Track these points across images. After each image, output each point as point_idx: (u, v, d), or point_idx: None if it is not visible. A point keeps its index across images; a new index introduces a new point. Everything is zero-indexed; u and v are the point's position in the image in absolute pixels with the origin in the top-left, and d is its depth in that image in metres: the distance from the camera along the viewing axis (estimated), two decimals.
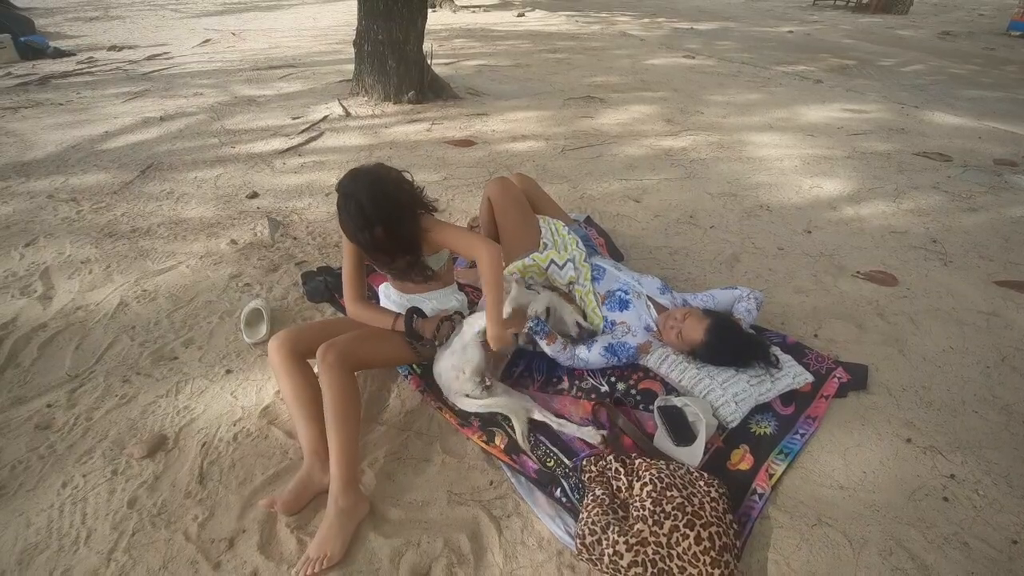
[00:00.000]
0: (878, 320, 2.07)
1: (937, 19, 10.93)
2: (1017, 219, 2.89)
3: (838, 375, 1.72)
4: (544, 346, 1.70)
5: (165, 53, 6.13)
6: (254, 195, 2.90)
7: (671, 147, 3.74)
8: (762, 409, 1.59)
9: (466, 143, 3.67)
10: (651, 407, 1.55)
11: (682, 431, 1.45)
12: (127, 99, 4.48)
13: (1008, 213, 2.95)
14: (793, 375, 1.64)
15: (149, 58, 5.90)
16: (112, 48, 6.41)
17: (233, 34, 7.37)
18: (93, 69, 5.45)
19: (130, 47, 6.51)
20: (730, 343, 1.64)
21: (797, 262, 2.42)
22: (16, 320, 1.97)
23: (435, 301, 1.74)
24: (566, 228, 2.07)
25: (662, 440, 1.47)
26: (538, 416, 1.56)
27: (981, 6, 13.47)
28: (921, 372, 1.83)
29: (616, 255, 2.37)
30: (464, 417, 1.58)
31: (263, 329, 1.88)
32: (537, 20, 9.43)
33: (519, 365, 1.78)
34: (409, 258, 1.54)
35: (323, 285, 2.07)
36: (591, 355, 1.70)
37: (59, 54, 5.99)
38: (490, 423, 1.55)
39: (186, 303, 2.07)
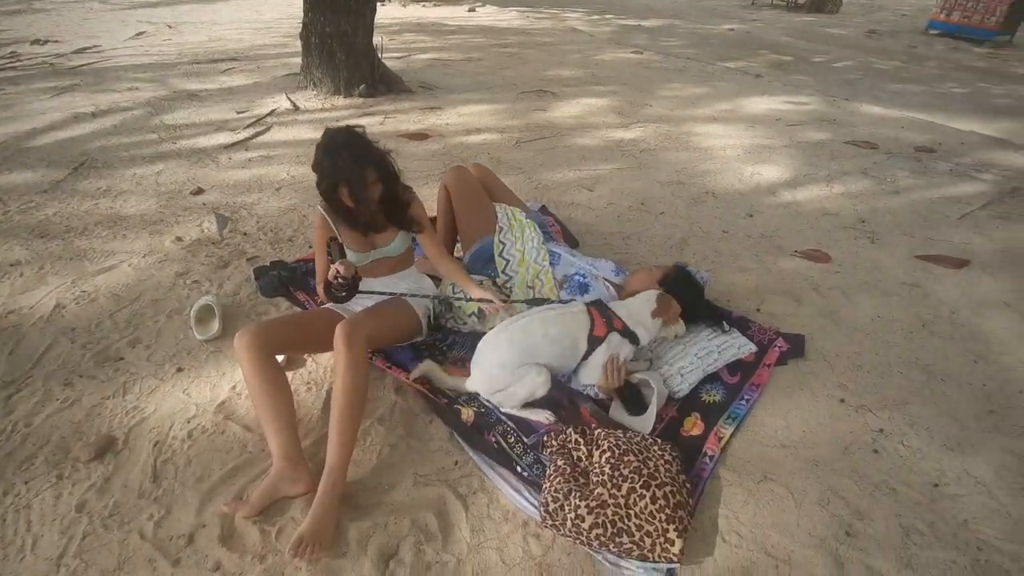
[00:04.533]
0: (814, 294, 2.22)
1: (864, 18, 11.63)
2: (935, 200, 3.15)
3: (779, 344, 1.83)
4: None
5: (95, 46, 5.77)
6: (199, 191, 2.79)
7: (622, 138, 3.85)
8: (711, 379, 1.68)
9: (421, 136, 3.65)
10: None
11: (636, 401, 1.52)
12: (55, 94, 4.20)
13: (927, 195, 3.21)
14: (738, 346, 1.75)
15: (78, 52, 5.54)
16: (36, 42, 5.98)
17: (169, 26, 7.02)
18: (16, 64, 5.07)
19: (56, 41, 6.09)
20: (683, 289, 1.74)
21: (740, 244, 2.56)
22: None
23: (409, 282, 1.78)
24: (523, 214, 2.11)
25: (617, 411, 1.53)
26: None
27: (903, 6, 14.42)
28: (852, 339, 1.98)
29: (571, 241, 2.43)
30: (435, 393, 1.61)
31: (215, 326, 1.83)
32: (488, 15, 9.43)
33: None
34: (388, 211, 1.63)
35: (277, 279, 2.03)
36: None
37: None
38: (456, 402, 1.58)
39: (130, 303, 1.98)
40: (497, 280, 1.99)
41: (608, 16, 10.08)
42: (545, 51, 6.65)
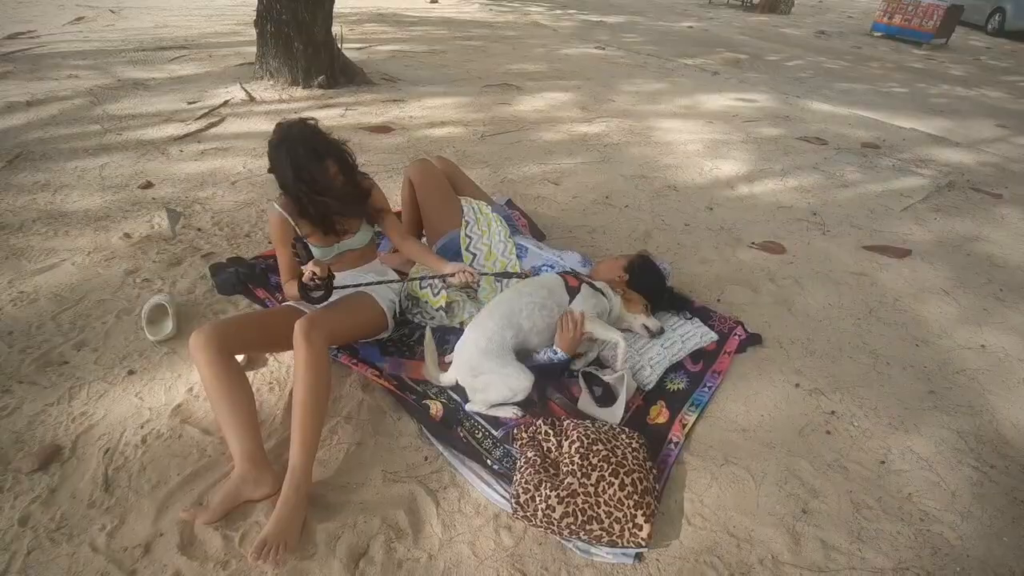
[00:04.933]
0: (770, 284, 2.30)
1: (814, 19, 12.11)
2: (879, 193, 3.31)
3: (738, 333, 1.90)
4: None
5: (30, 32, 5.39)
6: (148, 185, 2.66)
7: (586, 133, 3.88)
8: (675, 368, 1.72)
9: (383, 129, 3.59)
10: (575, 373, 1.63)
11: (604, 393, 1.54)
12: None
13: (872, 189, 3.38)
14: (700, 335, 1.80)
15: (10, 37, 5.16)
16: None
17: (112, 11, 6.62)
18: None
19: None
20: (647, 275, 1.79)
21: (701, 236, 2.63)
22: None
23: (374, 275, 1.75)
24: (488, 207, 2.10)
25: (586, 403, 1.55)
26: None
27: (850, 8, 15.09)
28: (806, 326, 2.07)
29: (538, 235, 2.45)
30: (403, 389, 1.59)
31: (168, 326, 1.75)
32: (451, 7, 9.32)
33: (448, 343, 1.80)
34: (352, 201, 1.61)
35: (235, 276, 1.94)
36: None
37: None
38: (424, 396, 1.57)
39: (74, 303, 1.87)
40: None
41: (571, 11, 10.13)
42: (509, 45, 6.64)
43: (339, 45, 4.36)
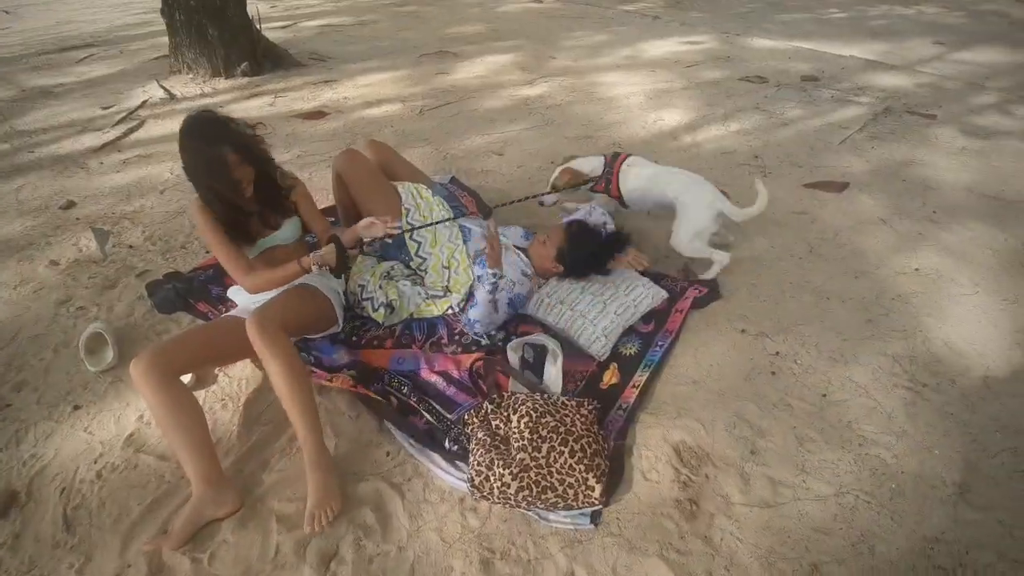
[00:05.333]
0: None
1: None
2: (819, 128, 3.37)
3: (695, 290, 1.94)
4: (484, 302, 1.69)
5: None
6: (70, 204, 2.51)
7: (528, 96, 3.81)
8: (627, 332, 1.76)
9: (317, 115, 3.44)
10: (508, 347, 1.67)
11: (537, 358, 1.59)
12: None
13: (812, 124, 3.43)
14: (651, 295, 1.84)
15: None
16: None
17: (6, 12, 6.07)
18: None
19: None
20: (587, 243, 1.81)
21: None
22: None
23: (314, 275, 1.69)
24: (428, 191, 2.07)
25: (519, 380, 1.58)
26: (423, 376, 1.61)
27: None
28: (750, 271, 2.13)
29: (484, 210, 2.42)
30: (367, 382, 1.61)
31: (109, 354, 1.70)
32: None
33: (398, 327, 1.80)
34: (268, 196, 1.58)
35: (174, 293, 1.90)
36: (501, 311, 1.75)
37: None
38: (382, 393, 1.58)
39: (7, 343, 1.79)
40: (411, 263, 1.96)
41: None
42: (444, 7, 6.39)
43: (258, 26, 4.12)
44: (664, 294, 1.89)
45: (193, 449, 1.31)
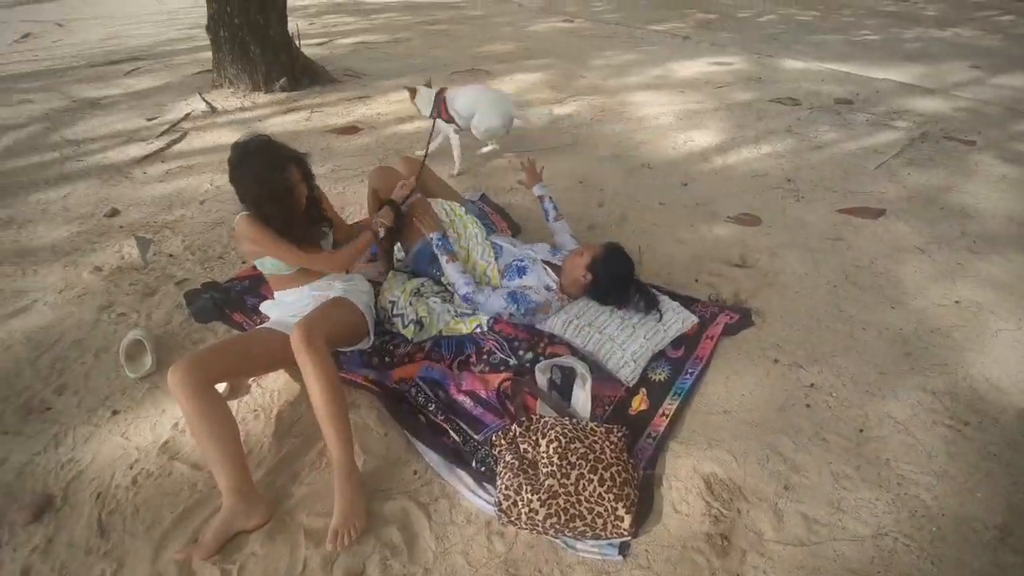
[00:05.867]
0: (747, 258, 2.32)
1: None
2: (854, 152, 3.32)
3: (726, 316, 1.91)
4: (446, 264, 1.86)
5: None
6: (115, 212, 2.61)
7: (558, 114, 3.83)
8: (656, 357, 1.74)
9: (351, 130, 3.52)
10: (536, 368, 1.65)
11: (565, 380, 1.58)
12: None
13: (847, 147, 3.38)
14: (682, 320, 1.82)
15: None
16: None
17: (59, 25, 6.39)
18: None
19: None
20: (621, 266, 1.80)
21: (677, 214, 2.63)
22: None
23: (344, 283, 1.75)
24: (462, 208, 2.09)
25: (548, 404, 1.57)
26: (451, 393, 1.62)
27: None
28: (784, 298, 2.09)
29: (513, 228, 2.44)
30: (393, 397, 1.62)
31: (147, 361, 1.74)
32: None
33: (427, 344, 1.81)
34: (312, 212, 1.68)
35: (211, 303, 1.95)
36: (493, 296, 1.81)
37: None
38: (411, 412, 1.59)
39: (51, 346, 1.86)
40: (442, 279, 1.98)
41: None
42: (475, 26, 6.50)
43: (297, 43, 4.25)
44: (694, 319, 1.87)
45: (225, 459, 1.33)
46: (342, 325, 1.63)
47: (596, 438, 1.36)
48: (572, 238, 2.11)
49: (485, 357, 1.76)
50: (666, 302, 1.87)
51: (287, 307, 1.71)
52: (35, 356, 1.82)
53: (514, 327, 1.86)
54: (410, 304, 1.86)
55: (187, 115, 3.71)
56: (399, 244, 2.10)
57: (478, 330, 1.86)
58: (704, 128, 3.63)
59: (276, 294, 1.76)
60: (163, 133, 3.45)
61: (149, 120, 3.65)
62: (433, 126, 2.85)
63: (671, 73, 4.79)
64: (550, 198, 2.18)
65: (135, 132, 3.48)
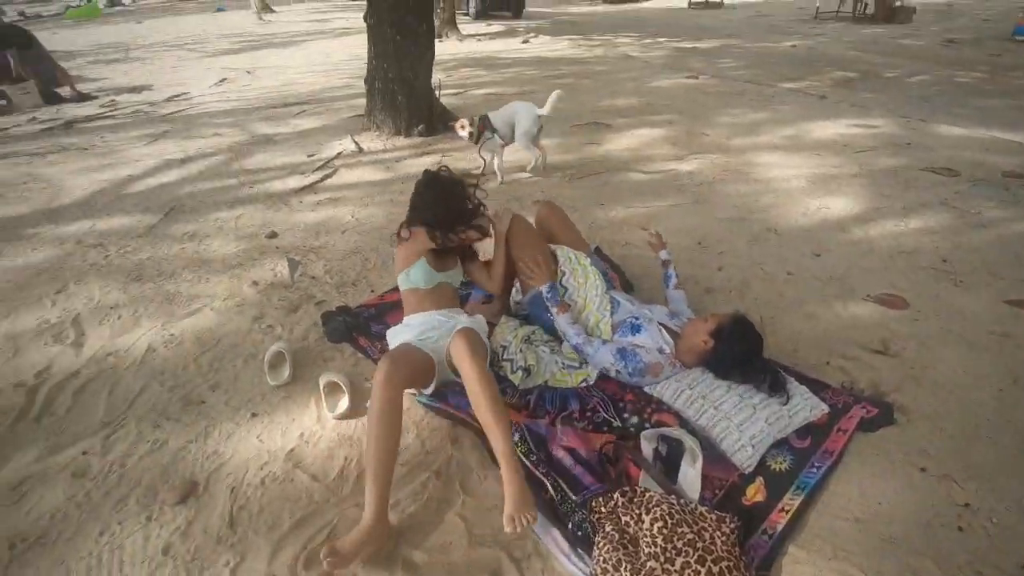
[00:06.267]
0: (890, 344, 2.08)
1: (940, 27, 10.94)
2: None
3: (862, 408, 1.73)
4: (555, 315, 1.90)
5: (184, 94, 6.38)
6: (273, 235, 3.00)
7: (678, 171, 3.80)
8: (778, 444, 1.60)
9: (479, 176, 3.75)
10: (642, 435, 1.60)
11: (672, 452, 1.49)
12: (149, 141, 4.67)
13: (1018, 228, 2.95)
14: (810, 407, 1.66)
15: (169, 99, 6.14)
16: (133, 90, 6.68)
17: (248, 72, 7.64)
18: (115, 112, 5.69)
19: (149, 88, 6.78)
20: (736, 343, 1.70)
21: (807, 287, 2.45)
22: (50, 368, 2.07)
23: (467, 319, 1.86)
24: (587, 259, 2.11)
25: (650, 476, 1.49)
26: (552, 450, 1.60)
27: (985, 11, 13.45)
28: (934, 397, 1.84)
29: (626, 286, 2.42)
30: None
31: (286, 372, 1.95)
32: (541, 45, 9.63)
33: (532, 394, 1.82)
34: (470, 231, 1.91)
35: (343, 325, 2.14)
36: (602, 349, 1.80)
37: (81, 98, 6.25)
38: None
39: (212, 347, 2.15)
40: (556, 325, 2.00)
41: (661, 40, 10.04)
42: (599, 80, 6.71)
43: (438, 93, 4.68)
44: (824, 408, 1.70)
45: (382, 474, 1.40)
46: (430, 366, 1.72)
47: (706, 525, 1.27)
48: (689, 309, 2.04)
49: (588, 415, 1.74)
50: (793, 385, 1.72)
51: (414, 329, 1.82)
52: (199, 353, 2.11)
53: (621, 387, 1.83)
54: (520, 351, 1.90)
55: (339, 153, 4.21)
56: (517, 286, 2.17)
57: (583, 384, 1.85)
58: (841, 195, 3.38)
59: (406, 317, 1.91)
60: (318, 168, 3.94)
61: (309, 156, 4.19)
62: (480, 148, 3.63)
63: (805, 134, 4.56)
64: (673, 265, 2.15)
65: (297, 166, 4.01)
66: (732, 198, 3.36)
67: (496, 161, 3.68)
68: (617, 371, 1.79)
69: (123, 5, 22.25)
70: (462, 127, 3.58)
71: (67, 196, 3.62)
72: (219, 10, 18.55)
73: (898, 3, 11.55)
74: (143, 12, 19.36)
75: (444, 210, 1.88)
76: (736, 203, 3.29)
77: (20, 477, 1.62)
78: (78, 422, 1.82)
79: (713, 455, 1.56)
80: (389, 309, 2.25)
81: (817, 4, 12.67)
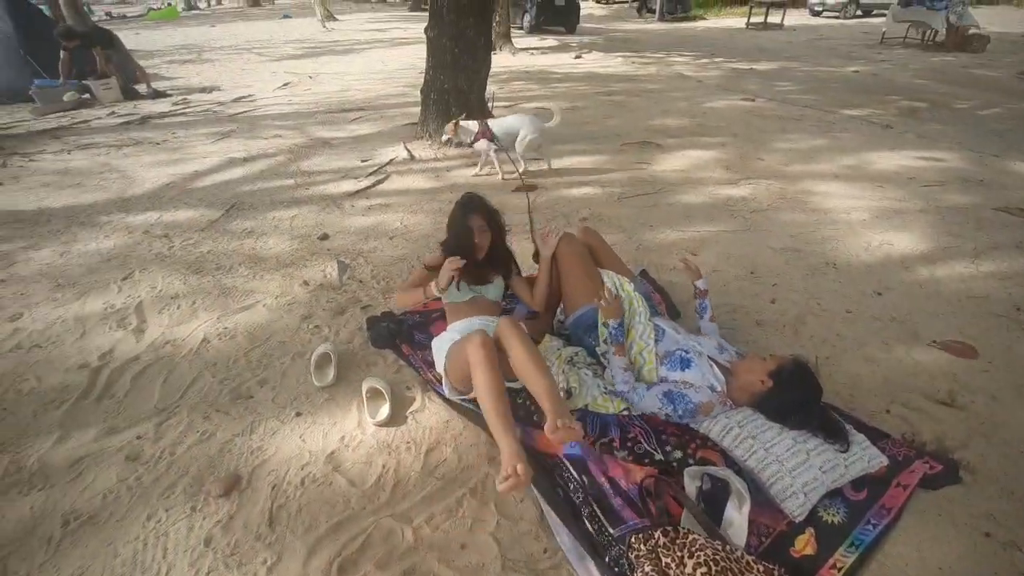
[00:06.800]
0: (957, 396, 1.95)
1: (1016, 58, 10.34)
2: None
3: (924, 463, 1.62)
4: (612, 355, 1.84)
5: (249, 96, 6.69)
6: (325, 236, 3.09)
7: (730, 196, 3.70)
8: (832, 494, 1.51)
9: (529, 188, 3.76)
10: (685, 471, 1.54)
11: (715, 489, 1.42)
12: (215, 139, 4.91)
13: None
14: (868, 458, 1.56)
15: (235, 100, 6.45)
16: (203, 90, 7.06)
17: (310, 77, 7.95)
18: (186, 110, 6.02)
19: (218, 89, 7.15)
20: (796, 389, 1.62)
21: (867, 327, 2.33)
22: (112, 351, 2.17)
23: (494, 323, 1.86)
24: (631, 284, 2.07)
25: (690, 519, 1.43)
26: (593, 474, 1.57)
27: None
28: (1005, 458, 1.70)
29: (672, 311, 2.36)
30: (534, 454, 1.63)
31: (330, 373, 1.99)
32: (594, 61, 9.65)
33: (592, 423, 1.78)
34: (496, 258, 2.02)
35: (387, 331, 2.17)
36: (647, 395, 1.74)
37: (156, 95, 6.65)
38: (550, 486, 1.57)
39: (262, 342, 2.21)
40: (597, 349, 1.97)
41: (717, 60, 9.88)
42: (650, 99, 6.65)
43: (491, 105, 4.74)
44: (883, 460, 1.60)
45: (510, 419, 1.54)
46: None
47: (752, 575, 1.21)
48: (722, 342, 1.96)
49: (629, 445, 1.70)
50: (851, 432, 1.63)
51: (457, 333, 1.86)
52: (249, 348, 2.18)
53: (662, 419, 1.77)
54: (563, 371, 1.88)
55: (391, 160, 4.31)
56: (561, 306, 2.15)
57: (624, 413, 1.80)
58: (906, 231, 3.21)
59: (449, 326, 1.97)
60: (371, 173, 4.04)
61: (362, 161, 4.31)
62: (475, 144, 3.88)
63: (867, 164, 4.37)
64: (708, 297, 2.08)
65: (350, 170, 4.13)
66: (787, 227, 3.25)
67: (496, 162, 3.96)
68: (666, 415, 1.73)
69: (199, 9, 23.61)
70: (456, 128, 3.87)
71: (138, 187, 3.84)
72: (285, 17, 19.46)
73: (972, 31, 11.01)
74: (217, 16, 20.52)
75: (450, 232, 2.00)
76: (792, 233, 3.17)
77: (78, 455, 1.71)
78: (134, 406, 1.90)
79: (761, 500, 1.49)
80: (433, 319, 2.26)
81: (883, 29, 12.22)
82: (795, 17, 17.57)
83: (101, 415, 1.87)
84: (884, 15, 13.23)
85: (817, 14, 18.86)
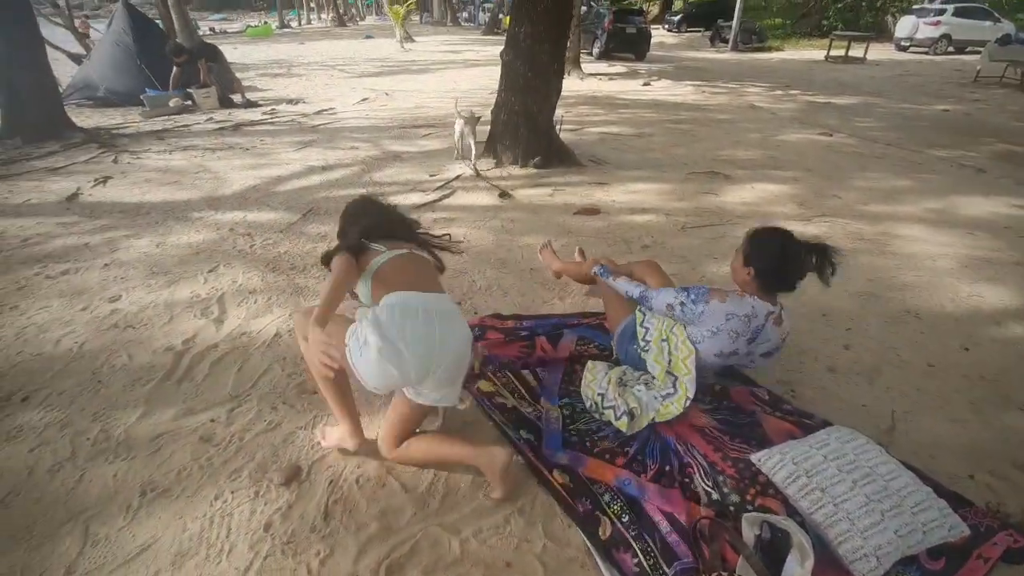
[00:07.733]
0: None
1: None
2: None
3: (1008, 535, 1.48)
4: (613, 281, 2.04)
5: (331, 109, 7.12)
6: None
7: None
8: (906, 560, 1.40)
9: (590, 211, 3.77)
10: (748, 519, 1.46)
11: (774, 541, 1.34)
12: (298, 148, 5.25)
13: None
14: (949, 526, 1.44)
15: (318, 112, 6.89)
16: (290, 102, 7.58)
17: (386, 94, 8.38)
18: (274, 120, 6.47)
19: (304, 101, 7.65)
20: (768, 251, 1.77)
21: (951, 384, 2.16)
22: (195, 338, 2.34)
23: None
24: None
25: (756, 562, 1.36)
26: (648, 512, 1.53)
27: None
28: None
29: None
30: (577, 495, 1.60)
31: None
32: (663, 89, 9.61)
33: (632, 445, 1.76)
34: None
35: None
36: (663, 291, 1.88)
37: (249, 105, 7.21)
38: (598, 507, 1.55)
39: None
40: (639, 351, 1.97)
41: (793, 92, 9.60)
42: (720, 129, 6.54)
43: (558, 128, 4.81)
44: (964, 529, 1.46)
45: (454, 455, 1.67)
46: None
47: None
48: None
49: (683, 479, 1.64)
50: (930, 497, 1.50)
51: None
52: None
53: (723, 458, 1.70)
54: (619, 395, 1.85)
55: (458, 176, 4.45)
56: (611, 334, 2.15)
57: (687, 403, 1.77)
58: (999, 283, 2.97)
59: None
60: (438, 188, 4.18)
61: (431, 175, 4.47)
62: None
63: (956, 209, 4.09)
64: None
65: (419, 183, 4.29)
66: (865, 270, 3.08)
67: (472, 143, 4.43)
68: (681, 303, 1.81)
69: (291, 28, 25.45)
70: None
71: (228, 188, 4.15)
72: (367, 37, 20.68)
73: None
74: (306, 35, 22.05)
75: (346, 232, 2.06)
76: (870, 276, 3.00)
77: (158, 432, 1.84)
78: (210, 391, 2.04)
79: (826, 557, 1.40)
80: (489, 331, 2.30)
81: (978, 68, 11.48)
82: (879, 51, 16.80)
83: (181, 396, 2.01)
84: (979, 52, 12.44)
85: (904, 49, 17.94)
